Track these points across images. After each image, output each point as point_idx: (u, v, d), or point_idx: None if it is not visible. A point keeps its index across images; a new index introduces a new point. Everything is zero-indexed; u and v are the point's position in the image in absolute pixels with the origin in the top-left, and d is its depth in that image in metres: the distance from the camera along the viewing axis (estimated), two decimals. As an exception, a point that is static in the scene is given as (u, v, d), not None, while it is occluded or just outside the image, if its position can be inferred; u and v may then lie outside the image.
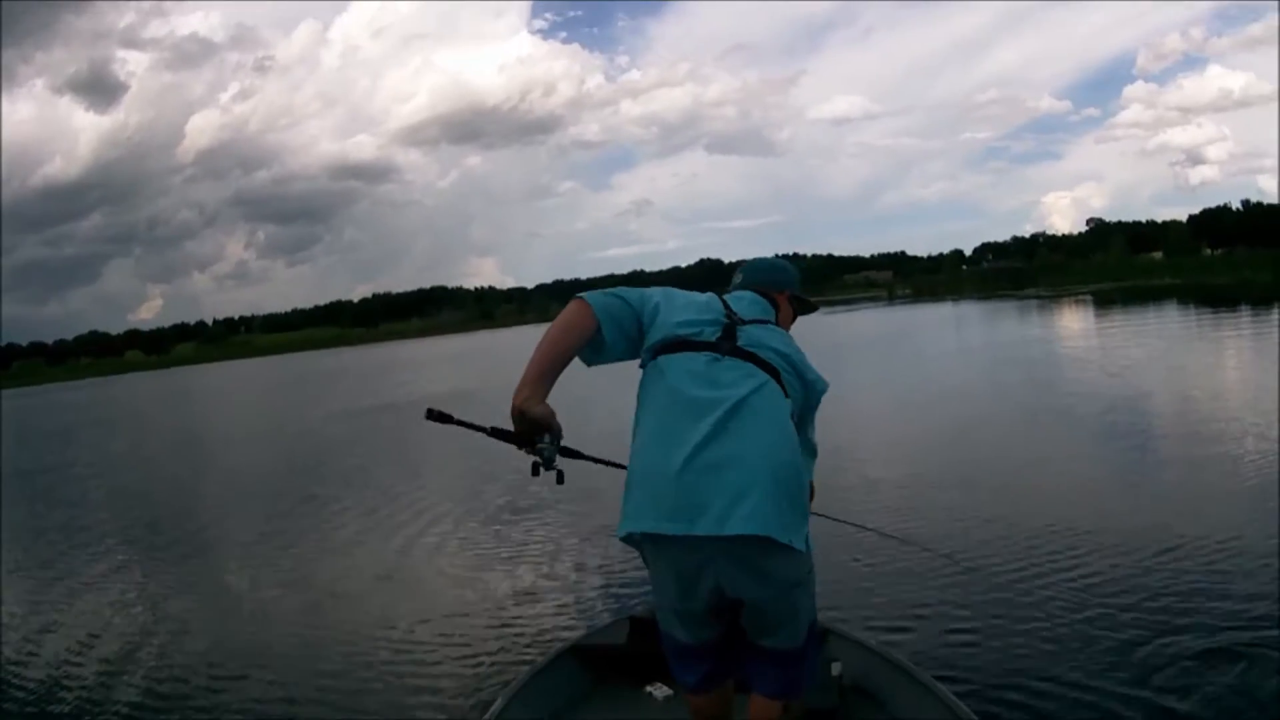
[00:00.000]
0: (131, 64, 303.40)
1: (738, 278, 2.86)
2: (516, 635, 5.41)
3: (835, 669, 3.38)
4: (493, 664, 4.97)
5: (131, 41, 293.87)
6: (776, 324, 2.67)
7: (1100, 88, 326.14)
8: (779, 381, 2.45)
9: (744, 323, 2.56)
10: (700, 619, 2.46)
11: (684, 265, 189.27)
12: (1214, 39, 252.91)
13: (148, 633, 6.18)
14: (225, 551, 8.81)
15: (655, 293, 2.59)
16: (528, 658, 4.84)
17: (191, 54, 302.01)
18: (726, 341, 2.48)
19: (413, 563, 7.58)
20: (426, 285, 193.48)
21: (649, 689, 3.70)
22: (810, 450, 2.65)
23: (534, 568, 6.88)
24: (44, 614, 6.88)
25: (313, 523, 9.55)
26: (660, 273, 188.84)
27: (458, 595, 6.41)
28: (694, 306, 2.56)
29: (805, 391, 2.56)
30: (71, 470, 16.99)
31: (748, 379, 2.41)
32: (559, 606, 5.89)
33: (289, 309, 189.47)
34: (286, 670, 5.27)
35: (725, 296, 2.68)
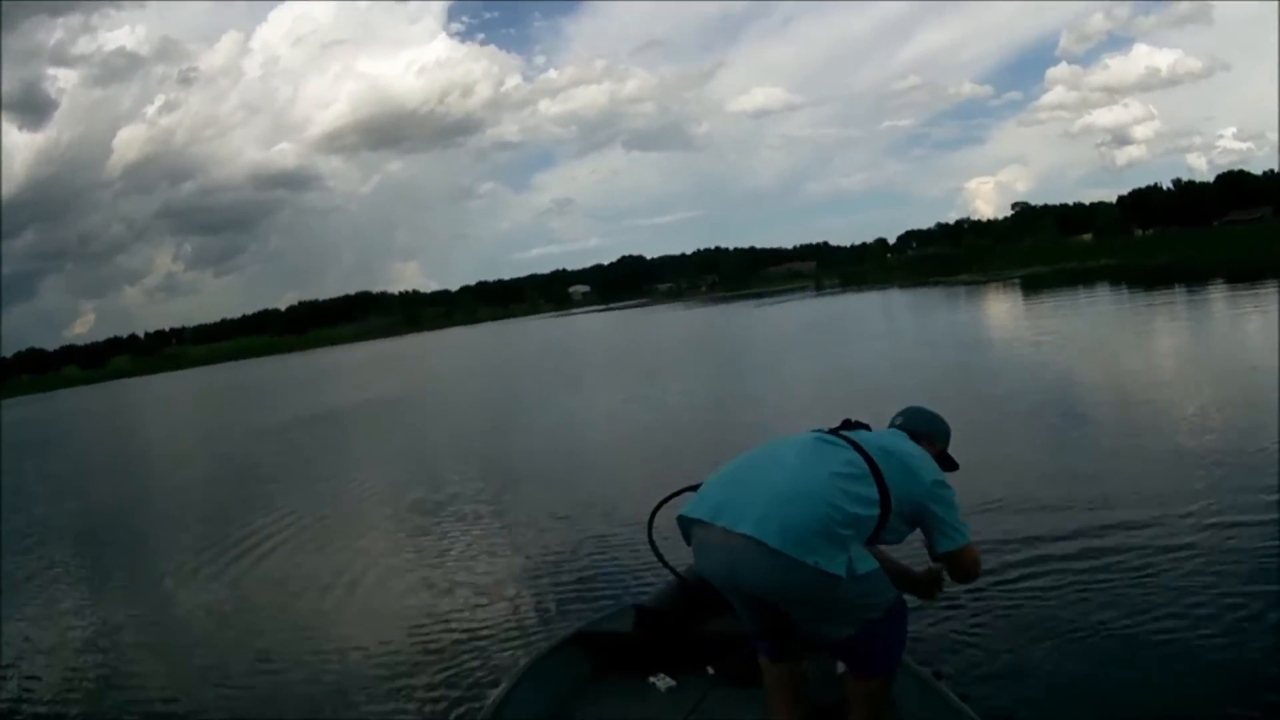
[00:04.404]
0: (62, 80, 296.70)
1: (898, 419, 3.19)
2: (522, 622, 5.43)
3: (840, 666, 3.36)
4: (497, 650, 5.00)
5: (61, 59, 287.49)
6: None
7: (1022, 71, 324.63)
8: (873, 469, 2.72)
9: (864, 428, 2.96)
10: (745, 610, 2.85)
11: (606, 263, 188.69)
12: (1140, 17, 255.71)
13: (135, 650, 6.08)
14: (213, 556, 8.43)
15: None
16: (533, 644, 4.83)
17: (119, 68, 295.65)
18: (833, 431, 2.92)
19: (417, 552, 7.57)
20: (352, 291, 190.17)
21: (652, 679, 3.68)
22: (950, 536, 2.83)
23: (540, 556, 6.87)
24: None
25: (307, 521, 9.42)
26: (583, 270, 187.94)
27: (463, 582, 6.43)
28: None
29: (908, 481, 2.75)
30: (27, 487, 15.94)
31: (830, 445, 2.80)
32: (566, 594, 5.86)
33: (218, 319, 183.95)
34: (292, 658, 5.34)
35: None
